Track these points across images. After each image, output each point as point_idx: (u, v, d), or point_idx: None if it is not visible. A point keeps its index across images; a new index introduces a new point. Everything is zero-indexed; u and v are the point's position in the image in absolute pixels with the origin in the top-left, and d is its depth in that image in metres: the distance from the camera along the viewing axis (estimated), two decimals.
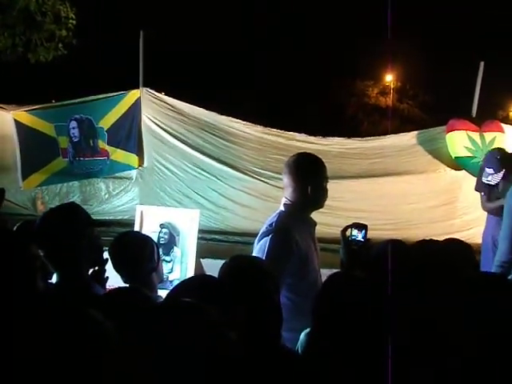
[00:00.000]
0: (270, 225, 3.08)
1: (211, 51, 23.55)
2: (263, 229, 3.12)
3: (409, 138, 7.17)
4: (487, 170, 5.55)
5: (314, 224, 3.28)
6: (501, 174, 5.44)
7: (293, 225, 3.08)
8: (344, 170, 6.88)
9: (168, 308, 1.66)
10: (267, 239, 2.99)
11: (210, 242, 6.58)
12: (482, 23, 22.66)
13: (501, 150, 5.70)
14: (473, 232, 6.49)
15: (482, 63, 6.94)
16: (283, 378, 1.88)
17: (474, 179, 6.40)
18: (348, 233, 2.90)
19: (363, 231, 2.87)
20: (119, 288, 2.40)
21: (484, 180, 5.58)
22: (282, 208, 3.19)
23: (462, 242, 3.15)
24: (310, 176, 3.13)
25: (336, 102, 27.35)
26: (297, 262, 3.01)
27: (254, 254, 3.03)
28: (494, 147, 6.69)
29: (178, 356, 1.48)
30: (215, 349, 1.50)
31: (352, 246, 2.86)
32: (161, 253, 5.42)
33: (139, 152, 7.17)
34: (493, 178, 5.50)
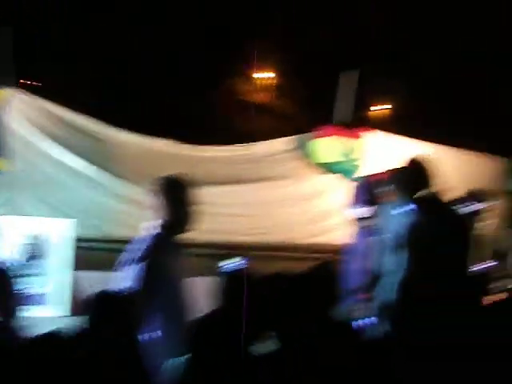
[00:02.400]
0: (139, 249, 3.11)
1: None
2: (134, 249, 3.12)
3: (281, 143, 7.42)
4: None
5: (184, 245, 3.35)
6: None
7: (162, 248, 3.12)
8: (216, 176, 6.91)
9: None
10: (138, 266, 3.02)
11: (86, 250, 6.37)
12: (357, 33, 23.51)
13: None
14: (339, 234, 6.78)
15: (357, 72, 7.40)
16: None
17: (342, 183, 6.78)
18: None
19: None
20: None
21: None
22: (151, 231, 3.23)
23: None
24: (173, 198, 3.22)
25: (207, 102, 27.31)
26: (167, 285, 3.06)
27: (123, 279, 3.04)
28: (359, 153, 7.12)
29: None
30: None
31: None
32: (31, 265, 5.26)
33: (6, 155, 6.81)
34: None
